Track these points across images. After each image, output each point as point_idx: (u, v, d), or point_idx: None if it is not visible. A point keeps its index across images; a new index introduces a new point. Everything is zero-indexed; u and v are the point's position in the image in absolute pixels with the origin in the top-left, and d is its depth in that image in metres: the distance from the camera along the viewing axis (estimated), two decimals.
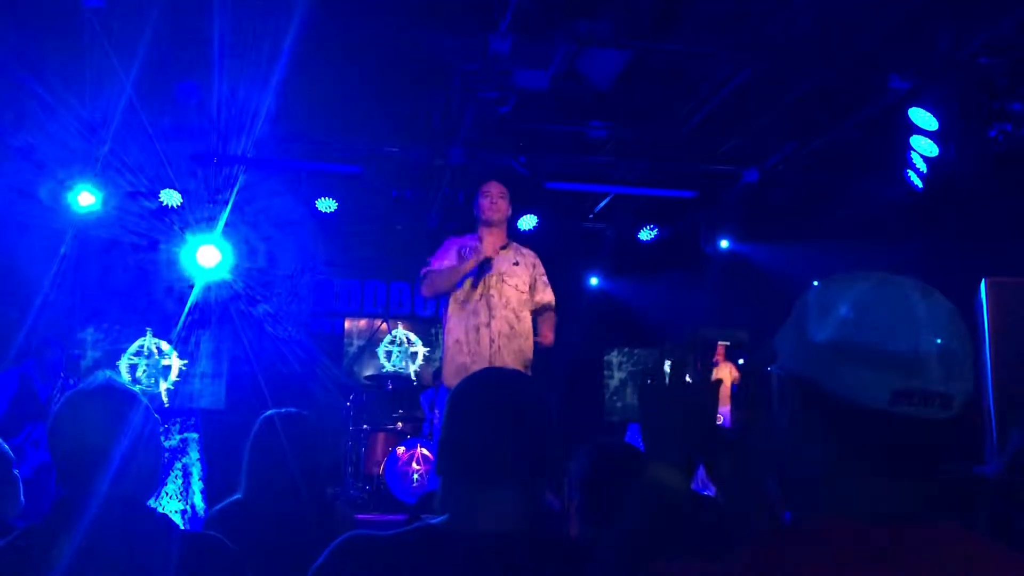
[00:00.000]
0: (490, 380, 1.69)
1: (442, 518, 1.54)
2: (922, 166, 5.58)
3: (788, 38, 5.03)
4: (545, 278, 5.10)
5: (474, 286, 4.83)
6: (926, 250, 6.80)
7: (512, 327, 4.83)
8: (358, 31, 5.19)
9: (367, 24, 5.09)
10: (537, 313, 5.01)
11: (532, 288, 5.01)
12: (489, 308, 4.80)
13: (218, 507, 2.62)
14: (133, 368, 7.62)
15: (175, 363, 7.76)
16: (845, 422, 1.01)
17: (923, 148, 5.47)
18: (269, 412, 2.70)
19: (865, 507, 1.01)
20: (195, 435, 6.77)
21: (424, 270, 4.99)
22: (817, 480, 1.05)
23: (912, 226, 6.84)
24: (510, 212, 5.10)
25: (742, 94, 5.82)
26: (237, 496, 2.63)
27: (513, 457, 1.52)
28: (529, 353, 4.88)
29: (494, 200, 4.95)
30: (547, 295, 5.06)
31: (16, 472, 2.55)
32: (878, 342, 0.99)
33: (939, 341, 0.99)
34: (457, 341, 4.85)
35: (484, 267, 4.82)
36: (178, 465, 6.61)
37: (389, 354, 9.06)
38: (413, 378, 8.98)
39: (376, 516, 6.42)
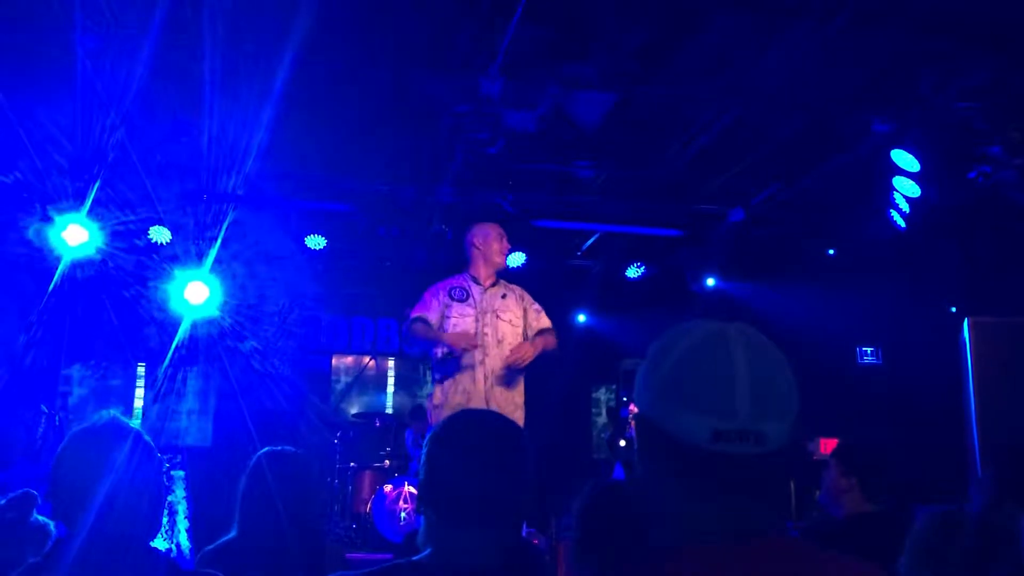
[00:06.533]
0: (470, 422, 1.75)
1: (425, 553, 1.59)
2: (905, 206, 5.67)
3: (773, 81, 5.12)
4: (537, 306, 5.08)
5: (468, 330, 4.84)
6: (909, 288, 6.90)
7: (507, 365, 4.79)
8: (350, 71, 5.24)
9: (360, 64, 5.15)
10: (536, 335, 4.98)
11: (525, 318, 5.00)
12: (483, 347, 4.79)
13: (212, 546, 2.60)
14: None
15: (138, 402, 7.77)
16: (678, 457, 1.12)
17: (905, 189, 5.57)
18: (265, 450, 2.70)
19: (705, 529, 1.12)
20: (181, 472, 6.71)
21: (407, 322, 4.95)
22: (665, 506, 1.16)
23: (895, 265, 6.93)
24: None
25: (728, 135, 5.91)
26: (232, 534, 2.63)
27: (493, 499, 1.58)
28: (522, 391, 4.88)
29: (503, 244, 5.01)
30: (542, 321, 5.03)
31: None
32: (698, 388, 1.11)
33: (753, 385, 1.10)
34: (450, 379, 4.82)
35: (464, 353, 4.74)
36: None
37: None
38: (390, 412, 9.06)
39: (363, 555, 6.37)
